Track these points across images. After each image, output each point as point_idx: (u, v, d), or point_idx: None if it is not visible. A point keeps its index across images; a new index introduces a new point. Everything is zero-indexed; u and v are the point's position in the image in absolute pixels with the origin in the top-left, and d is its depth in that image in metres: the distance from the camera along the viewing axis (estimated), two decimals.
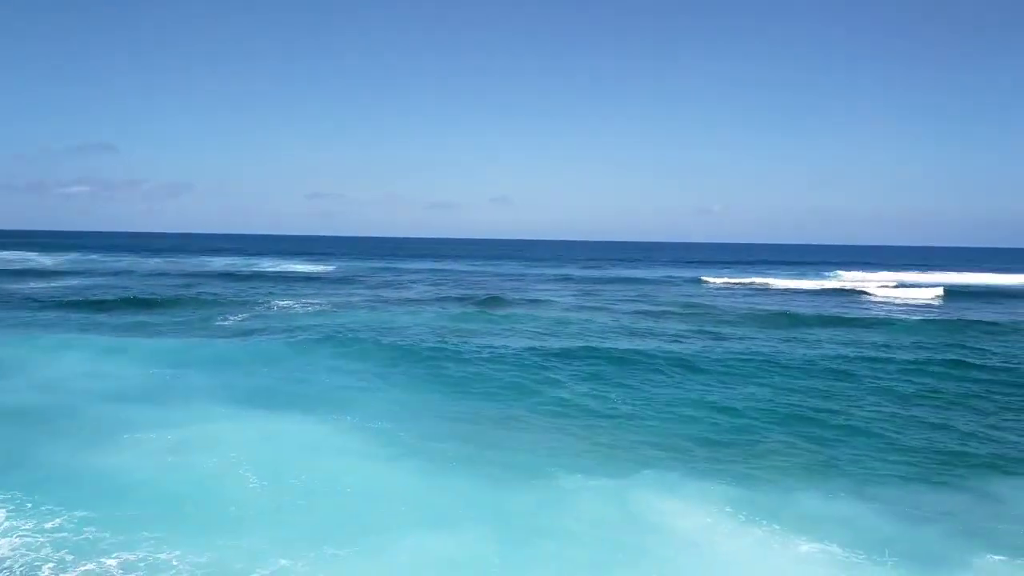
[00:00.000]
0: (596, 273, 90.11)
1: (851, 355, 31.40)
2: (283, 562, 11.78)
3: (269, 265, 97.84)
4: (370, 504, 14.38)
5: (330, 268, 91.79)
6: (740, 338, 36.08)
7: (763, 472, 16.83)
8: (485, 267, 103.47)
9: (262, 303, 48.55)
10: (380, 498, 14.69)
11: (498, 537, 12.84)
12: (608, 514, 14.06)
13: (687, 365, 28.53)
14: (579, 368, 27.81)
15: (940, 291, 64.91)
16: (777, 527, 13.55)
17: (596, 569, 11.88)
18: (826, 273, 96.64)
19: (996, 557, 12.45)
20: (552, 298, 55.42)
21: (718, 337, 36.32)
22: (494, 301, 51.07)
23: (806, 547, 12.80)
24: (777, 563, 12.33)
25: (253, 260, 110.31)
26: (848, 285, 73.60)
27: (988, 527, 13.87)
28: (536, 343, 33.56)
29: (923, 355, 31.50)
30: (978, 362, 29.99)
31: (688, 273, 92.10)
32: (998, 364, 29.92)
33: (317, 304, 48.44)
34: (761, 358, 29.96)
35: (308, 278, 75.13)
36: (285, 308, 46.28)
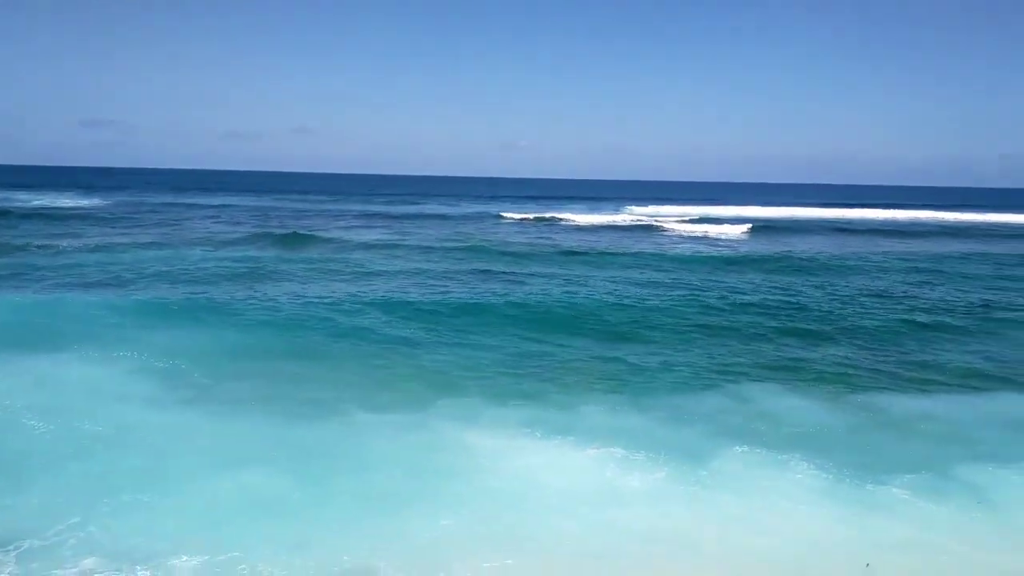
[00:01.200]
0: (400, 209, 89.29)
1: (644, 284, 34.01)
2: (75, 519, 11.13)
3: (29, 200, 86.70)
4: (164, 447, 13.89)
5: (107, 203, 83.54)
6: (534, 274, 37.36)
7: (556, 394, 18.08)
8: (284, 202, 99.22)
9: (21, 244, 43.60)
10: (174, 441, 14.21)
11: (297, 474, 12.92)
12: (407, 445, 14.58)
13: (482, 300, 29.61)
14: (377, 305, 27.99)
15: (748, 227, 68.53)
16: (569, 439, 14.80)
17: (396, 499, 12.28)
18: (626, 209, 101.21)
19: (741, 448, 14.53)
20: (353, 235, 54.56)
21: (514, 273, 37.42)
22: (295, 239, 49.46)
23: (593, 452, 14.19)
24: (568, 469, 13.56)
25: (8, 194, 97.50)
26: (645, 220, 77.39)
27: (739, 424, 16.04)
28: (335, 280, 33.18)
29: (711, 284, 34.73)
30: (755, 292, 33.39)
31: (491, 208, 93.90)
32: (780, 293, 33.37)
33: (92, 243, 44.37)
34: (556, 294, 31.23)
35: (81, 215, 67.97)
36: (51, 248, 41.95)
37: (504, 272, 36.85)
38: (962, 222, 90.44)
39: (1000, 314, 29.53)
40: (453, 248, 47.40)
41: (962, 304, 31.38)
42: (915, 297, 32.71)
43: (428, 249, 46.62)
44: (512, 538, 11.03)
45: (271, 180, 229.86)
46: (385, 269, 37.43)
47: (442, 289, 31.42)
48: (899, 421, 16.62)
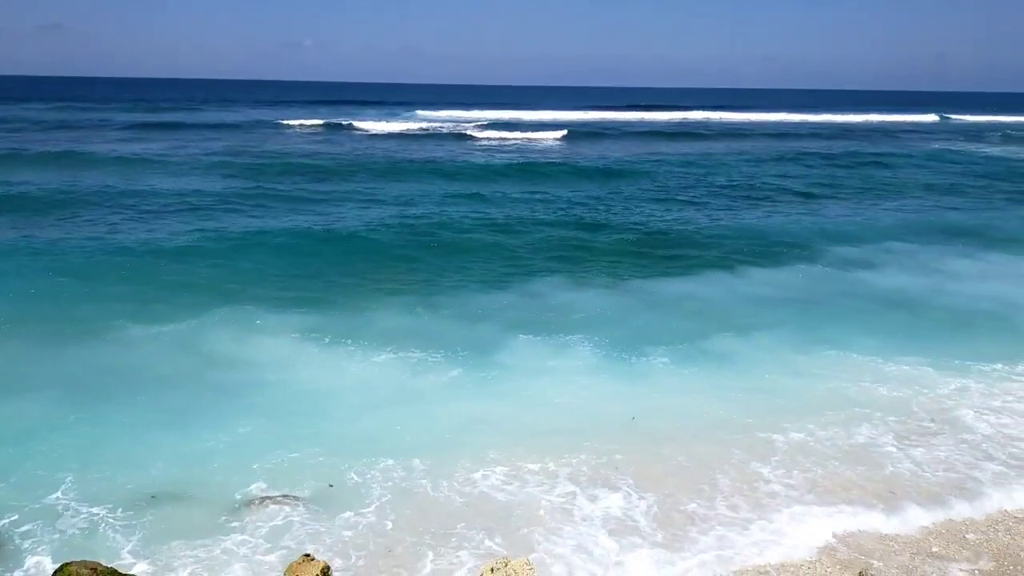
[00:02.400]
0: (170, 118, 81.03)
1: (440, 194, 33.89)
2: None
3: None
4: None
5: None
6: (323, 192, 35.55)
7: (342, 299, 18.04)
8: (32, 111, 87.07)
9: None
10: None
11: (67, 400, 12.10)
12: (185, 357, 14.09)
13: (265, 207, 28.60)
14: (152, 211, 26.28)
15: (563, 132, 67.71)
16: (361, 343, 14.95)
17: (182, 414, 11.91)
18: (421, 116, 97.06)
19: (529, 337, 15.54)
20: (117, 149, 49.18)
21: (302, 190, 35.45)
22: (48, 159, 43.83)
23: (386, 355, 14.44)
24: (360, 373, 13.75)
25: None
26: (445, 128, 74.70)
27: (527, 317, 17.03)
28: (96, 202, 30.11)
29: (515, 190, 35.35)
30: (549, 196, 34.53)
31: (273, 115, 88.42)
32: (585, 196, 34.69)
33: None
34: (344, 212, 30.12)
35: None
36: None
37: (286, 191, 34.38)
38: (728, 122, 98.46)
39: (752, 204, 33.22)
40: (230, 163, 43.85)
41: (723, 197, 34.82)
42: (687, 196, 35.56)
43: (205, 165, 42.96)
44: (311, 438, 11.15)
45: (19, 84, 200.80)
46: (149, 188, 33.99)
47: (213, 215, 28.96)
48: (666, 302, 18.46)
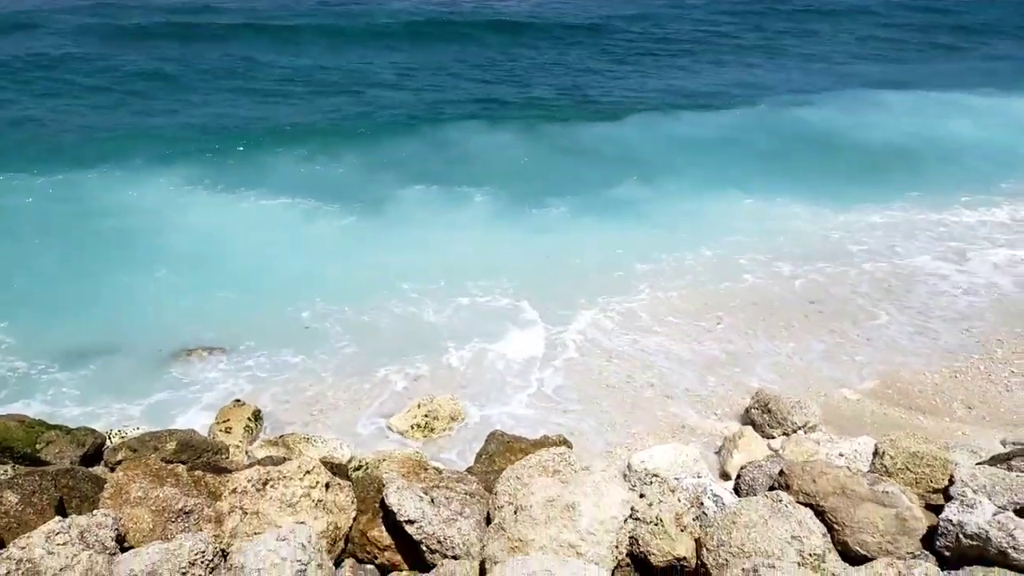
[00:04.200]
0: None
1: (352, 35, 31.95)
2: None
3: None
4: None
5: None
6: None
7: (229, 144, 17.32)
8: None
9: None
10: None
11: None
12: (66, 206, 13.43)
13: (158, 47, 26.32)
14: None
15: None
16: (255, 191, 14.65)
17: (86, 266, 11.53)
18: None
19: (430, 187, 15.62)
20: None
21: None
22: None
23: (281, 201, 14.27)
24: (253, 218, 13.67)
25: None
26: None
27: (432, 166, 16.96)
28: None
29: (437, 44, 33.32)
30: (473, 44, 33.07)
31: None
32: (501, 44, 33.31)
33: None
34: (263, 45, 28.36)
35: None
36: None
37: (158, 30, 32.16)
38: None
39: (684, 56, 33.18)
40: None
41: (656, 51, 34.53)
42: (622, 50, 34.97)
43: None
44: (221, 287, 11.12)
45: None
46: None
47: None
48: (580, 151, 18.72)
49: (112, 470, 5.97)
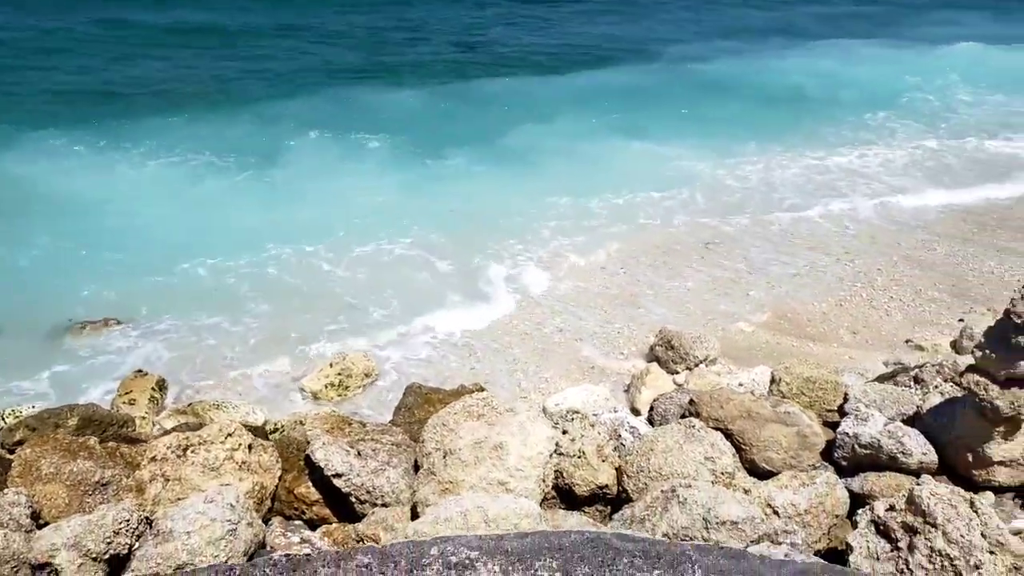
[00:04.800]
0: None
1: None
2: None
3: None
4: None
5: None
6: None
7: (110, 106, 16.39)
8: None
9: None
10: None
11: None
12: None
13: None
14: None
15: None
16: (139, 151, 14.06)
17: None
18: None
19: (316, 140, 15.27)
20: None
21: None
22: None
23: (167, 160, 13.85)
24: (140, 179, 13.17)
25: None
26: None
27: (329, 120, 16.52)
28: None
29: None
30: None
31: None
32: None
33: None
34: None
35: None
36: None
37: None
38: None
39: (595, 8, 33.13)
40: None
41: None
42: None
43: None
44: (112, 253, 10.60)
45: None
46: None
47: None
48: (481, 102, 18.59)
49: (11, 451, 5.67)
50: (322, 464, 4.77)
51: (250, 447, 4.71)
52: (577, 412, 5.14)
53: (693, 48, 25.71)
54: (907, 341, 9.31)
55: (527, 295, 10.32)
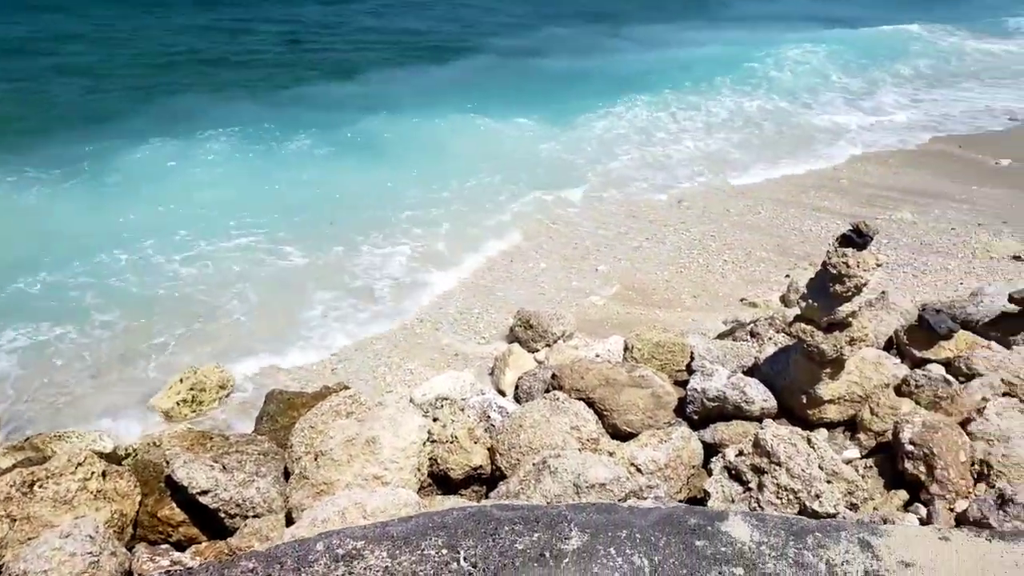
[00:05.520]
0: None
1: None
2: None
3: None
4: None
5: None
6: None
7: None
8: None
9: None
10: None
11: None
12: None
13: None
14: None
15: None
16: None
17: None
18: None
19: (158, 144, 14.36)
20: None
21: None
22: None
23: None
24: None
25: None
26: None
27: (161, 125, 15.55)
28: None
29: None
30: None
31: None
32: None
33: None
34: None
35: None
36: None
37: None
38: None
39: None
40: None
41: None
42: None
43: None
44: None
45: None
46: None
47: None
48: (320, 99, 18.09)
49: None
50: (185, 483, 4.57)
51: (104, 474, 4.44)
52: (446, 399, 5.21)
53: (523, 40, 26.07)
54: (742, 299, 10.03)
55: (386, 286, 10.25)
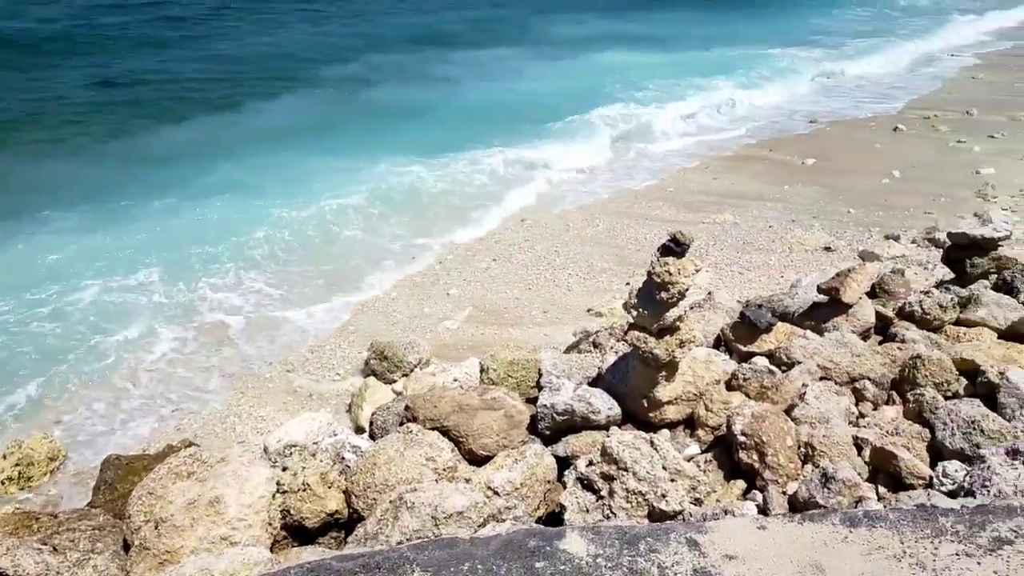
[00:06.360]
0: None
1: None
2: None
3: None
4: None
5: None
6: None
7: None
8: None
9: None
10: None
11: None
12: None
13: None
14: None
15: None
16: None
17: None
18: None
19: None
20: None
21: None
22: None
23: None
24: None
25: None
26: None
27: None
28: None
29: None
30: None
31: None
32: None
33: None
34: None
35: None
36: None
37: None
38: None
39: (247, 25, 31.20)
40: None
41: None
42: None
43: None
44: None
45: None
46: None
47: None
48: (146, 149, 16.86)
49: None
50: (10, 572, 4.19)
51: None
52: (295, 445, 5.06)
53: (354, 68, 25.48)
54: (588, 310, 10.41)
55: (229, 329, 9.85)
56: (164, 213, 13.26)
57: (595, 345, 6.80)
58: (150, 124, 18.63)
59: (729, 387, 5.66)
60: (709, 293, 7.37)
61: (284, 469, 4.71)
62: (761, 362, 5.83)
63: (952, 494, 4.45)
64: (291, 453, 4.85)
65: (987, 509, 2.64)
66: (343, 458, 5.24)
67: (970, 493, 4.27)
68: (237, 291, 10.83)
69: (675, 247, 5.12)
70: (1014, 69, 25.52)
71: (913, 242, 11.72)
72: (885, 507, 3.63)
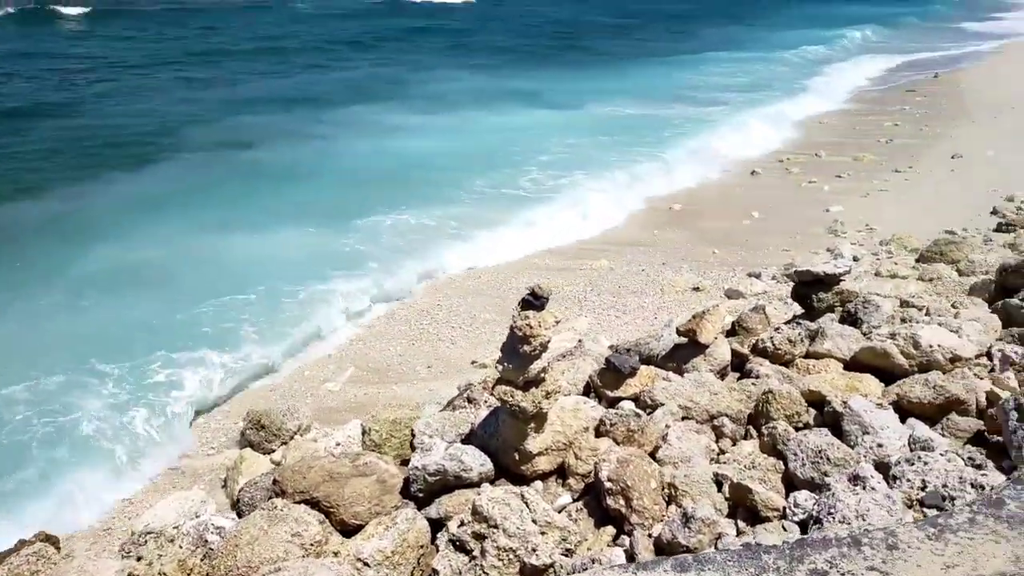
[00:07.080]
0: None
1: None
2: None
3: None
4: None
5: None
6: None
7: None
8: None
9: None
10: None
11: None
12: None
13: None
14: None
15: None
16: None
17: None
18: None
19: None
20: None
21: None
22: None
23: None
24: None
25: None
26: None
27: None
28: None
29: None
30: None
31: None
32: None
33: None
34: None
35: None
36: None
37: None
38: None
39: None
40: None
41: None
42: None
43: None
44: None
45: None
46: None
47: None
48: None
49: None
50: None
51: None
52: (150, 532, 4.81)
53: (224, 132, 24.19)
54: (473, 362, 10.45)
55: (89, 407, 9.26)
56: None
57: (469, 400, 6.84)
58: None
59: (598, 433, 5.79)
60: (580, 341, 7.56)
61: (139, 559, 4.46)
62: (627, 406, 6.01)
63: (803, 524, 4.70)
64: (146, 541, 4.60)
65: (805, 543, 2.81)
66: (206, 541, 5.01)
67: (818, 521, 4.52)
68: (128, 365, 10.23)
69: (534, 300, 5.24)
70: (853, 114, 27.73)
71: (773, 278, 12.43)
72: (716, 550, 3.79)
